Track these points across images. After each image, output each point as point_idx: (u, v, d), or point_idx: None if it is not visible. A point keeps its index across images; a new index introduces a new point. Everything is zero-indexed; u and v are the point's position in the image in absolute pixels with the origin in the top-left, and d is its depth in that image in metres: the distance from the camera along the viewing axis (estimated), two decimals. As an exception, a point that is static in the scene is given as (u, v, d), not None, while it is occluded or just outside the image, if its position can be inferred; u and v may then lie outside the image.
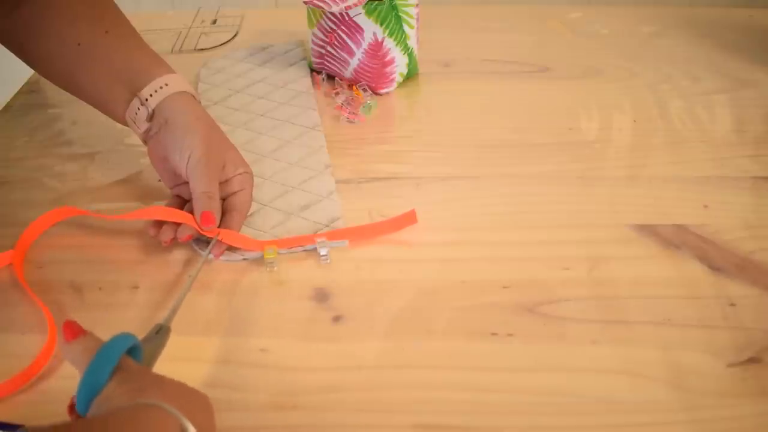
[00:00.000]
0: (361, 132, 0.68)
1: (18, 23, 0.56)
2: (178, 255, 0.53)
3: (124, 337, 0.35)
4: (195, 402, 0.35)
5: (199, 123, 0.54)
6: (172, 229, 0.52)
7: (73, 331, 0.36)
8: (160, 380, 0.35)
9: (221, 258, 0.53)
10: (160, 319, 0.43)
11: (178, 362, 0.44)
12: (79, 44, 0.55)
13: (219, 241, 0.52)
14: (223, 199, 0.55)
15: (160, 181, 0.59)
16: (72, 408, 0.34)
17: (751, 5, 0.92)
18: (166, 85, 0.54)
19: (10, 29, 0.56)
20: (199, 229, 0.51)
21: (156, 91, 0.54)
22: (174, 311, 0.44)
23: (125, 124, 0.57)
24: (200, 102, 0.57)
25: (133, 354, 0.36)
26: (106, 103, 0.57)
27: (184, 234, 0.51)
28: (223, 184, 0.55)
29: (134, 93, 0.55)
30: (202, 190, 0.52)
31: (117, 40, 0.56)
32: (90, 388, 0.33)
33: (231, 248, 0.53)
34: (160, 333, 0.42)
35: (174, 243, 0.52)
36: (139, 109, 0.55)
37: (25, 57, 0.59)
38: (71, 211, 0.55)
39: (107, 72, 0.55)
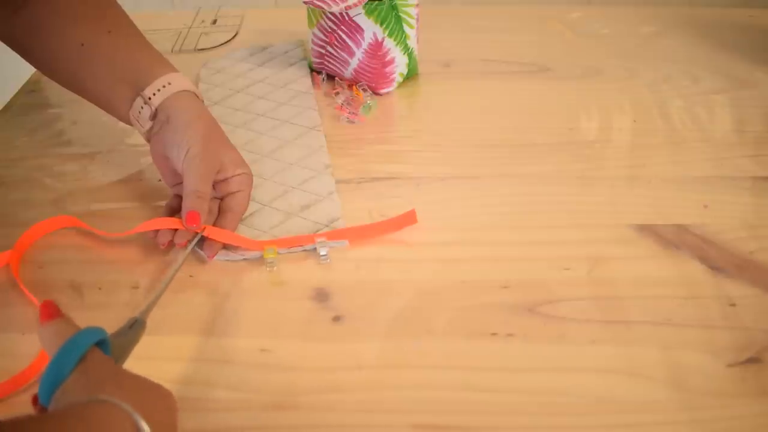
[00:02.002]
0: (361, 132, 0.68)
1: (21, 24, 0.56)
2: (178, 255, 0.53)
3: (93, 331, 0.34)
4: (155, 398, 0.33)
5: (199, 121, 0.54)
6: (170, 232, 0.52)
7: (50, 312, 0.35)
8: (119, 374, 0.34)
9: (222, 258, 0.53)
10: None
11: (178, 362, 0.44)
12: (82, 44, 0.55)
13: (211, 241, 0.52)
14: (221, 199, 0.56)
15: (160, 180, 0.59)
16: (35, 400, 0.33)
17: (751, 5, 0.92)
18: (169, 83, 0.55)
19: (13, 30, 0.57)
20: (184, 226, 0.51)
21: (159, 90, 0.54)
22: (151, 305, 0.44)
23: (129, 123, 0.57)
24: (203, 101, 0.57)
25: (102, 348, 0.35)
26: (110, 102, 0.57)
27: (182, 239, 0.52)
28: (221, 183, 0.55)
29: (137, 92, 0.55)
30: (193, 188, 0.52)
31: (119, 40, 0.56)
32: (52, 380, 0.32)
33: (231, 248, 0.53)
34: (134, 327, 0.41)
35: (172, 245, 0.52)
36: (142, 107, 0.55)
37: (29, 57, 0.59)
38: (74, 222, 0.55)
39: (110, 71, 0.56)
